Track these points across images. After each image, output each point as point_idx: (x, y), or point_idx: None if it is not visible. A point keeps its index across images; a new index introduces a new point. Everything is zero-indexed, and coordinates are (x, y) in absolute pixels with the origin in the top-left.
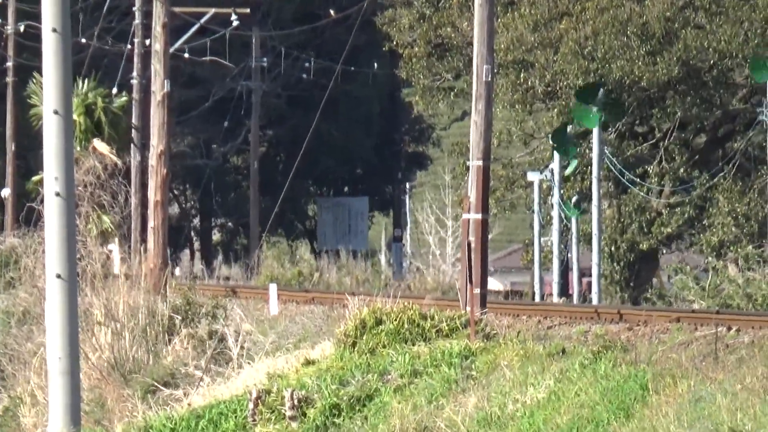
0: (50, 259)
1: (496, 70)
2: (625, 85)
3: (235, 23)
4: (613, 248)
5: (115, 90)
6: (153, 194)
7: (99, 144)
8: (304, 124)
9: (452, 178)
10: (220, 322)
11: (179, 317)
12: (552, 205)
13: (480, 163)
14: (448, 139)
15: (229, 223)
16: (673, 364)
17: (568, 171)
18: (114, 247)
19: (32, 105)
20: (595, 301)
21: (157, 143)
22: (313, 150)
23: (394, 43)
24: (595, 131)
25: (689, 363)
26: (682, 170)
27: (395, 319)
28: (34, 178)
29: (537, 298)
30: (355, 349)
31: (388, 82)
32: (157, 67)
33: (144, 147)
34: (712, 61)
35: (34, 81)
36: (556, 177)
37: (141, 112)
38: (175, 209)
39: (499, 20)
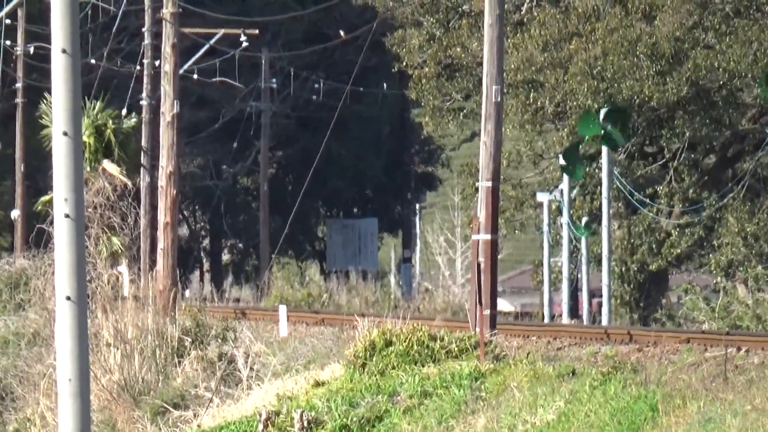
0: (60, 280)
1: (505, 91)
2: (635, 105)
3: (245, 44)
4: (623, 269)
5: (124, 111)
6: (162, 215)
7: (109, 165)
8: (313, 145)
9: (461, 198)
10: (230, 343)
11: (189, 339)
12: (561, 225)
13: (489, 183)
14: (458, 160)
15: (239, 244)
16: (682, 385)
17: (574, 192)
18: (123, 268)
19: (43, 126)
20: (605, 322)
21: (166, 164)
22: (323, 171)
23: (404, 63)
24: (604, 151)
25: (699, 384)
26: (691, 191)
27: (405, 341)
28: (43, 199)
29: (547, 319)
30: (365, 370)
31: (397, 103)
32: (166, 87)
33: (153, 168)
34: (721, 82)
35: (45, 102)
36: (566, 197)
37: (150, 133)
38: (184, 230)
39: (509, 41)
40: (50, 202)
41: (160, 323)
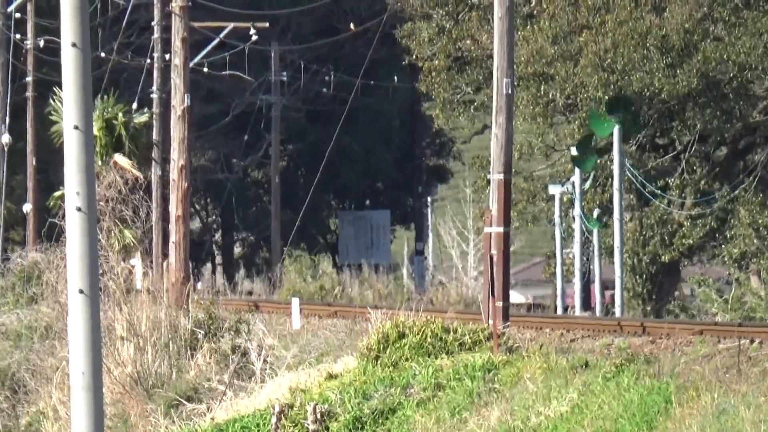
0: (72, 274)
1: (516, 83)
2: (645, 97)
3: (255, 37)
4: (635, 261)
5: (135, 104)
6: (174, 209)
7: (120, 159)
8: (324, 138)
9: (473, 191)
10: (243, 336)
11: (202, 332)
12: (573, 217)
13: (501, 176)
14: (469, 153)
15: (251, 237)
16: (696, 377)
17: (587, 185)
18: (136, 261)
19: (53, 121)
20: (617, 314)
21: (177, 157)
22: (334, 164)
23: (414, 56)
24: (616, 144)
25: (712, 375)
26: (703, 182)
27: (418, 333)
28: (56, 194)
29: (559, 311)
30: (378, 362)
31: (408, 96)
32: (176, 81)
33: (165, 161)
34: (731, 73)
35: (54, 98)
36: (577, 190)
37: (161, 127)
38: (196, 223)
39: (519, 33)
40: (63, 197)
41: (172, 316)
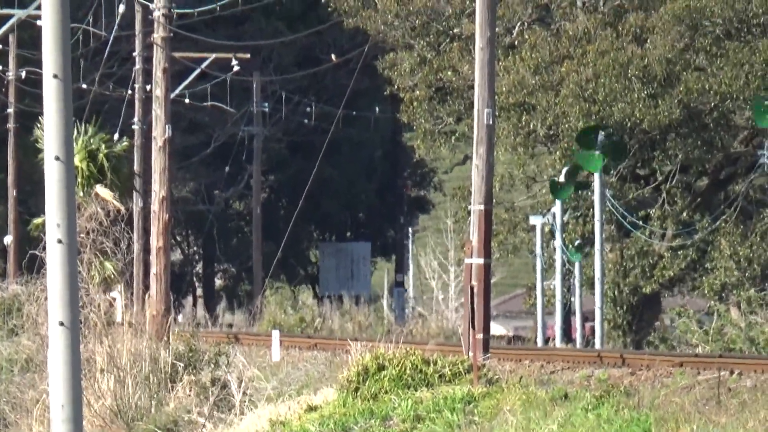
0: (53, 306)
1: (497, 114)
2: (627, 127)
3: (236, 68)
4: (615, 292)
5: (116, 135)
6: (155, 240)
7: (101, 190)
8: (305, 169)
9: (454, 222)
10: (223, 368)
11: (182, 364)
12: (554, 248)
13: (482, 207)
14: (450, 183)
15: (232, 269)
16: (676, 408)
17: (565, 216)
18: (117, 294)
19: (38, 150)
20: (597, 346)
21: (158, 189)
22: (315, 195)
23: (395, 87)
24: (596, 175)
25: (692, 407)
26: (684, 213)
27: (398, 365)
28: (36, 222)
29: (540, 343)
30: (358, 394)
31: (389, 126)
32: (158, 112)
33: (146, 193)
34: (713, 104)
35: (39, 126)
36: (558, 221)
37: (142, 158)
38: (177, 255)
39: (500, 63)
40: (43, 224)
41: (153, 348)
